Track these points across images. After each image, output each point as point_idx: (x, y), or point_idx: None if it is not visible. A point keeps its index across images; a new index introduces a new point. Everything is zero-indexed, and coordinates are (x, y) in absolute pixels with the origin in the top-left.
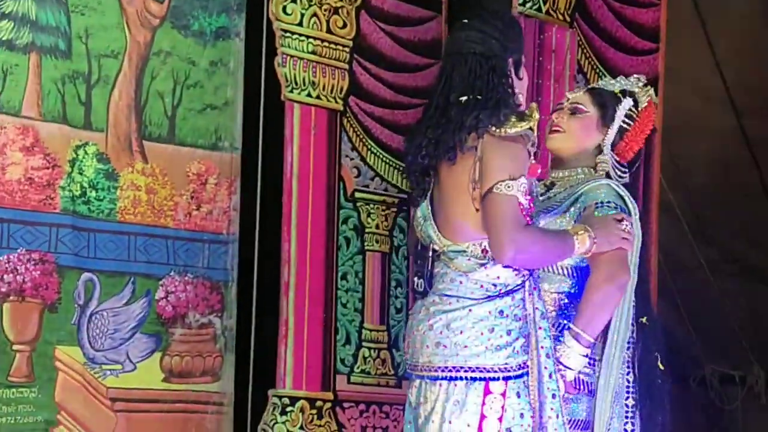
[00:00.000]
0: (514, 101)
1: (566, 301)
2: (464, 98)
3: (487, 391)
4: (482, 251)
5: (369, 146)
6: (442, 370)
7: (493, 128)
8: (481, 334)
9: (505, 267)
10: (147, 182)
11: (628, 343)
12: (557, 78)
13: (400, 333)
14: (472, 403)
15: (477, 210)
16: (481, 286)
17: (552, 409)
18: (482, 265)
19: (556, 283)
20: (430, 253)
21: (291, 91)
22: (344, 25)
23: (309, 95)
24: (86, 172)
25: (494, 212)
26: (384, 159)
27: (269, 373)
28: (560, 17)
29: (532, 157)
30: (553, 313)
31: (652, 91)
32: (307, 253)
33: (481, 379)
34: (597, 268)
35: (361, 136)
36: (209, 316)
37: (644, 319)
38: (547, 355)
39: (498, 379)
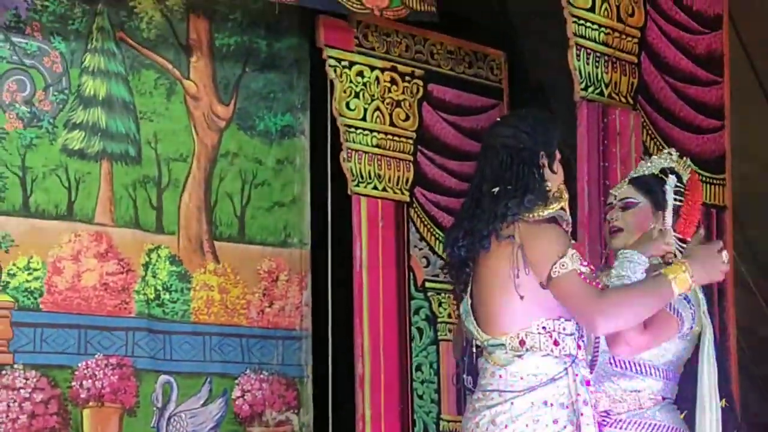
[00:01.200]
0: (543, 188)
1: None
2: (496, 189)
3: None
4: (519, 342)
5: (437, 235)
6: None
7: (526, 214)
8: (527, 426)
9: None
10: (219, 282)
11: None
12: (623, 160)
13: None
14: None
15: (521, 297)
16: (522, 378)
17: None
18: (519, 356)
19: (648, 383)
20: (474, 349)
21: (357, 185)
22: (407, 118)
23: (375, 188)
24: (160, 275)
25: (564, 294)
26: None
27: None
28: (623, 100)
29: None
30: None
31: (689, 161)
32: (380, 345)
33: None
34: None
35: (429, 226)
36: (286, 413)
37: (723, 402)
38: None
39: None
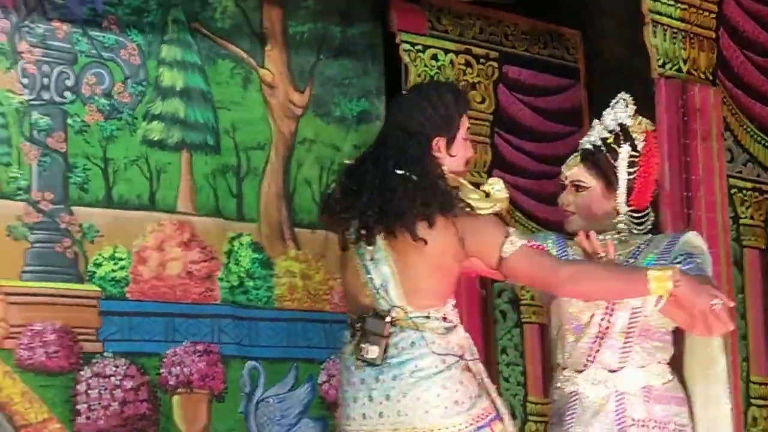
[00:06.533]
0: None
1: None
2: (400, 171)
3: None
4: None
5: (516, 218)
6: None
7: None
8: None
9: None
10: (301, 268)
11: None
12: (704, 137)
13: None
14: None
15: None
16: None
17: None
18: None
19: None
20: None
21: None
22: (483, 100)
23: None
24: (242, 262)
25: (521, 269)
26: (532, 228)
27: None
28: (702, 76)
29: None
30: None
31: (644, 121)
32: (464, 328)
33: None
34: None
35: (508, 208)
36: None
37: None
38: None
39: None
